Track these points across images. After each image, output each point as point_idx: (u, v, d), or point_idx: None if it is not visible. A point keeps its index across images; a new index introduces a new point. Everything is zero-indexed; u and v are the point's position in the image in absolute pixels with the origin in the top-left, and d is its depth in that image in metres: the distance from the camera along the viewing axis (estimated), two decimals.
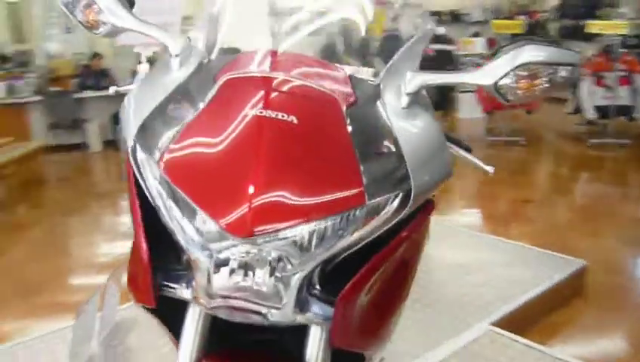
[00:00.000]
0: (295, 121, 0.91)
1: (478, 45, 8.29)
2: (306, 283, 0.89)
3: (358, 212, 0.87)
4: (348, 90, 1.01)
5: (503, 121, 7.06)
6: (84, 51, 8.53)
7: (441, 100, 6.91)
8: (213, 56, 1.09)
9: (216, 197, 0.84)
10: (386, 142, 0.95)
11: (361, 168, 0.89)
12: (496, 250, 3.33)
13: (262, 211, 0.81)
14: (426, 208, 1.07)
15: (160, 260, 0.95)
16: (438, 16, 10.32)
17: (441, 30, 7.96)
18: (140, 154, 0.93)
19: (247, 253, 0.84)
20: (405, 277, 1.07)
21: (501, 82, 0.96)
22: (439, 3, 10.48)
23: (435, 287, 2.84)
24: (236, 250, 0.84)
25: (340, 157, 0.91)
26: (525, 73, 0.97)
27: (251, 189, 0.82)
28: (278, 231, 0.82)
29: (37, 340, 2.50)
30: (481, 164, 1.23)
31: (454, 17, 11.17)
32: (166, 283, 0.96)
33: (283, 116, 0.91)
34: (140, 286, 0.95)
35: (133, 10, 1.08)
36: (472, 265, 3.10)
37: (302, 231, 0.84)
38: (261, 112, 0.91)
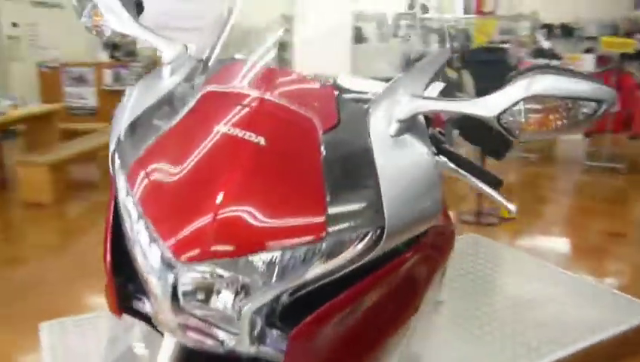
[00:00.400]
0: (263, 142, 0.87)
1: (587, 62, 7.80)
2: (266, 314, 0.84)
3: (317, 246, 0.81)
4: (331, 112, 0.95)
5: (605, 144, 6.58)
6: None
7: None
8: (211, 64, 1.07)
9: (169, 219, 0.81)
10: (362, 173, 0.87)
11: (328, 199, 0.82)
12: (567, 286, 3.09)
13: (208, 238, 0.78)
14: (424, 242, 1.00)
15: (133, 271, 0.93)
16: (549, 29, 9.82)
17: (547, 44, 7.59)
18: (117, 162, 0.93)
19: (200, 276, 0.81)
20: (392, 316, 0.99)
21: (506, 115, 0.85)
22: (551, 16, 9.97)
23: (489, 319, 2.68)
24: (188, 274, 0.81)
25: (305, 185, 0.85)
26: (539, 106, 0.85)
27: (202, 214, 0.79)
28: (225, 257, 0.79)
29: (69, 322, 2.60)
30: (504, 201, 1.13)
31: (567, 31, 10.59)
32: (137, 294, 0.95)
33: (250, 136, 0.87)
34: (106, 294, 0.95)
35: (142, 13, 1.08)
36: (537, 299, 2.90)
37: (253, 260, 0.79)
38: (229, 131, 0.88)
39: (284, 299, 0.85)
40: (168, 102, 0.99)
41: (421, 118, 0.95)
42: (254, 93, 0.95)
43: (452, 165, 1.06)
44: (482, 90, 0.92)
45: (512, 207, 1.12)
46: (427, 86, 0.96)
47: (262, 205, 0.81)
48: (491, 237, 3.90)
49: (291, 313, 0.86)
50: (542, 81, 0.84)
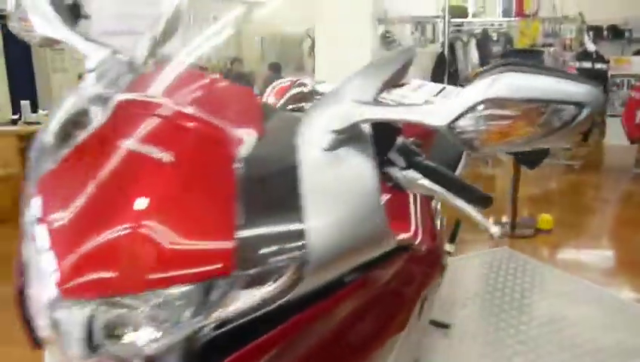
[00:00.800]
0: (170, 159, 0.76)
1: (635, 65, 7.44)
2: (183, 353, 0.73)
3: (227, 281, 0.70)
4: (254, 123, 0.85)
5: None
6: (233, 56, 9.08)
7: None
8: (138, 68, 0.98)
9: (64, 250, 0.71)
10: (285, 194, 0.75)
11: (239, 227, 0.72)
12: (604, 306, 2.89)
13: (104, 271, 0.69)
14: (391, 267, 0.89)
15: None
16: (596, 31, 9.42)
17: (592, 47, 7.26)
18: (29, 179, 0.85)
19: (102, 313, 0.70)
20: (348, 351, 0.88)
21: (462, 123, 0.72)
22: (598, 17, 9.56)
23: (513, 341, 2.51)
24: (85, 311, 0.70)
25: (214, 209, 0.74)
26: (503, 112, 0.72)
27: (99, 245, 0.70)
28: (122, 293, 0.69)
29: None
30: (486, 223, 1.00)
31: (616, 33, 10.15)
32: None
33: (158, 153, 0.77)
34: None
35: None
36: (568, 319, 2.72)
37: (156, 295, 0.69)
38: (134, 147, 0.78)
39: (205, 335, 0.74)
40: (86, 113, 0.90)
41: (365, 127, 0.83)
42: (167, 103, 0.85)
43: (423, 181, 0.93)
44: None
45: (494, 229, 1.00)
46: (382, 89, 0.84)
47: (165, 233, 0.71)
48: (526, 250, 3.71)
49: (224, 351, 0.76)
50: (506, 80, 0.70)
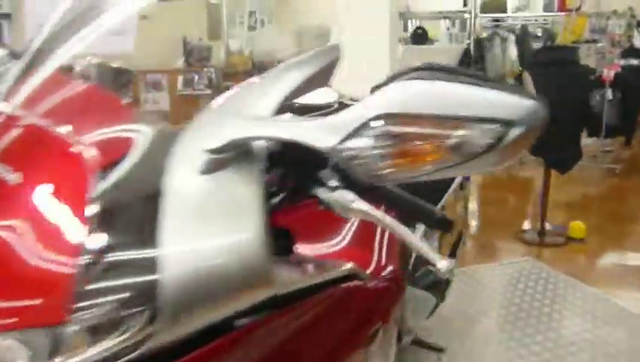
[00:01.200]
0: (18, 180, 0.67)
1: None
2: None
3: (60, 331, 0.57)
4: (121, 140, 0.73)
5: None
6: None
7: (623, 122, 5.83)
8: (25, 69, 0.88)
9: None
10: (144, 227, 0.62)
11: (81, 265, 0.59)
12: (630, 327, 2.65)
13: None
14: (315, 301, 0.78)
15: None
16: None
17: (639, 43, 6.85)
18: None
19: None
20: None
21: (353, 143, 0.58)
22: None
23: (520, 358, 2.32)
24: None
25: (56, 242, 0.62)
26: (409, 129, 0.57)
27: None
28: None
29: None
30: (433, 256, 0.83)
31: None
32: None
33: (7, 172, 0.68)
34: None
35: None
36: (590, 341, 2.50)
37: None
38: None
39: None
40: None
41: (258, 145, 0.68)
42: (23, 115, 0.76)
43: (359, 204, 0.76)
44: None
45: (441, 264, 0.83)
46: (292, 98, 0.70)
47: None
48: (554, 260, 3.47)
49: None
50: (412, 89, 0.56)
